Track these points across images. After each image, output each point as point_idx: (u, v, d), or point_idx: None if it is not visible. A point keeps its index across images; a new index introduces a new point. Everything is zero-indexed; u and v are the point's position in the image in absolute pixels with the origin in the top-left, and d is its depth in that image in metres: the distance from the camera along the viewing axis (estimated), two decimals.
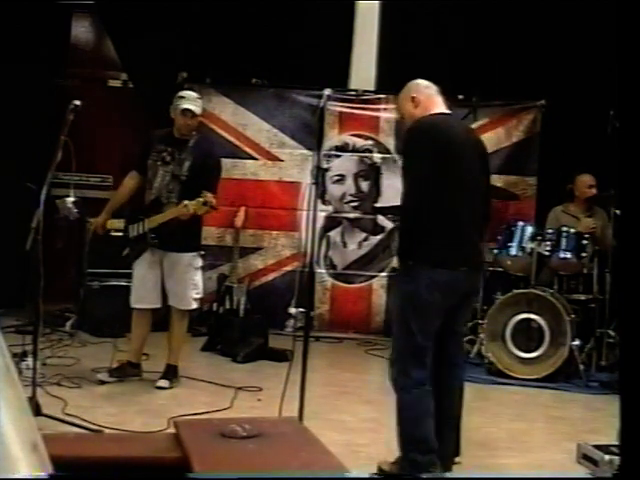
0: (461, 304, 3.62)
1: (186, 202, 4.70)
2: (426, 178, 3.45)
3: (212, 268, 6.96)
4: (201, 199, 4.65)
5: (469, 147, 3.65)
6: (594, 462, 3.81)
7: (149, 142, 5.13)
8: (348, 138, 7.36)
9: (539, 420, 5.02)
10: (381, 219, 7.33)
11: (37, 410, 3.96)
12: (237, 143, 7.35)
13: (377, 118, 7.32)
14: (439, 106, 3.67)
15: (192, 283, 5.07)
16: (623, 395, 2.01)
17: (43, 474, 1.11)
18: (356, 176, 7.37)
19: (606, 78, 3.31)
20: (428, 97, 3.67)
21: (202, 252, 5.24)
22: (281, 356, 5.73)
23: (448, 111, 3.70)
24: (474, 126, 7.13)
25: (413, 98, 3.68)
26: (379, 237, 7.33)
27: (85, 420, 4.13)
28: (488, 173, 3.82)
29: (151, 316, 5.20)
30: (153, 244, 4.98)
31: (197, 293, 5.13)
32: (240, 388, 5.05)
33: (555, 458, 4.13)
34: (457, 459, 3.77)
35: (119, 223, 5.32)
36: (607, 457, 3.72)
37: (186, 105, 4.95)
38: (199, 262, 5.14)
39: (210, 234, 6.97)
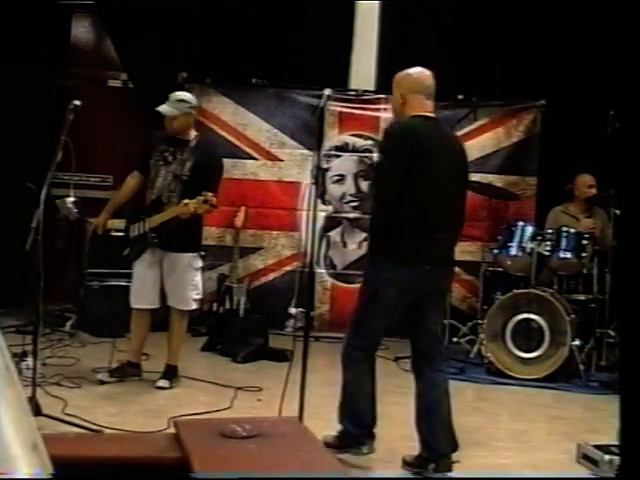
0: (427, 301, 3.74)
1: (186, 201, 4.70)
2: (395, 180, 3.59)
3: (212, 268, 6.96)
4: (201, 197, 4.66)
5: (443, 151, 3.74)
6: (594, 462, 3.82)
7: (151, 142, 5.14)
8: (348, 138, 7.36)
9: (539, 420, 5.02)
10: None
11: (37, 410, 3.96)
12: (237, 143, 7.35)
13: (377, 118, 7.31)
14: (423, 108, 3.74)
15: (192, 284, 5.07)
16: (623, 395, 2.01)
17: (43, 474, 1.11)
18: (356, 176, 7.36)
19: (606, 78, 3.31)
20: (415, 99, 3.75)
21: (202, 253, 5.24)
22: (281, 356, 5.73)
23: (431, 114, 3.77)
24: (474, 126, 7.17)
25: (401, 95, 3.77)
26: None
27: (85, 420, 4.13)
28: (466, 177, 3.96)
29: (150, 316, 5.19)
30: (153, 244, 4.98)
31: (197, 294, 5.13)
32: (240, 388, 5.05)
33: (555, 458, 4.13)
34: (456, 457, 3.78)
35: (119, 223, 5.33)
36: (607, 457, 3.73)
37: (159, 108, 4.98)
38: (199, 263, 5.13)
39: (210, 234, 6.97)
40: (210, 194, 4.71)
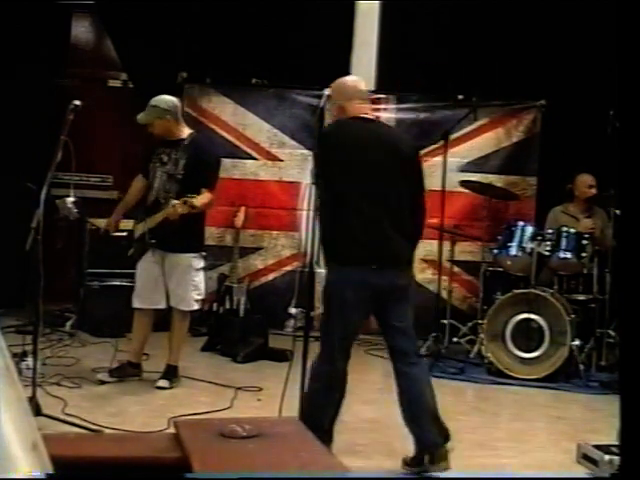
0: (387, 301, 3.79)
1: (173, 202, 4.72)
2: (326, 184, 3.74)
3: (212, 268, 6.95)
4: (184, 199, 4.67)
5: (378, 149, 3.79)
6: (594, 462, 3.81)
7: (151, 145, 5.17)
8: None
9: (539, 420, 5.02)
10: None
11: (37, 410, 3.96)
12: (237, 143, 7.35)
13: (377, 118, 7.30)
14: (359, 111, 3.85)
15: (192, 284, 5.07)
16: (623, 395, 2.01)
17: (43, 474, 1.11)
18: None
19: (606, 78, 3.31)
20: (352, 105, 3.86)
21: (204, 253, 5.24)
22: (281, 356, 5.73)
23: (366, 115, 3.86)
24: (474, 126, 7.17)
25: (338, 104, 3.92)
26: None
27: (85, 420, 4.13)
28: (411, 173, 3.92)
29: (153, 316, 5.20)
30: (151, 244, 5.00)
31: (198, 294, 5.12)
32: (240, 388, 5.05)
33: (555, 458, 4.13)
34: (456, 457, 3.77)
35: (121, 223, 5.37)
36: (607, 457, 3.72)
37: (138, 116, 5.04)
38: (200, 263, 5.13)
39: (210, 234, 6.95)
40: (205, 195, 4.72)
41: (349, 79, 4.07)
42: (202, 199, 4.81)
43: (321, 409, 3.79)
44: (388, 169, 3.78)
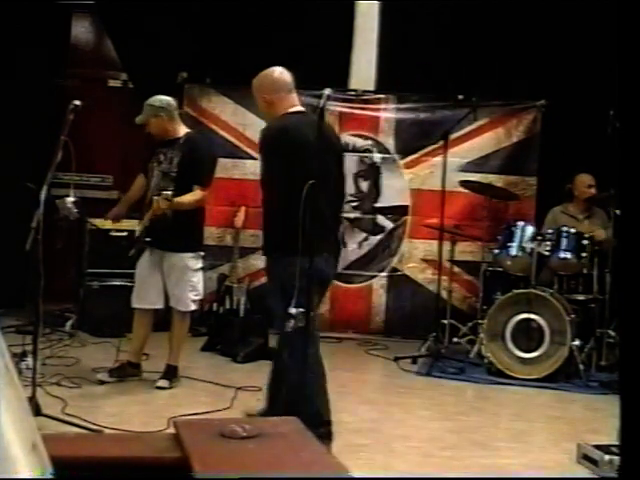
0: (323, 290, 3.93)
1: (155, 198, 4.73)
2: (281, 180, 3.79)
3: (212, 268, 6.95)
4: (163, 194, 4.68)
5: (322, 144, 3.77)
6: (594, 462, 3.81)
7: (152, 145, 5.18)
8: (348, 138, 7.34)
9: (539, 420, 5.02)
10: (381, 219, 7.33)
11: (37, 410, 3.96)
12: (237, 143, 7.35)
13: (377, 118, 7.31)
14: (290, 103, 3.88)
15: (190, 285, 5.06)
16: (623, 395, 2.01)
17: (43, 474, 1.11)
18: (356, 176, 7.36)
19: (606, 78, 3.31)
20: (280, 98, 3.90)
21: (202, 253, 5.23)
22: None
23: (300, 108, 3.90)
24: (474, 126, 7.16)
25: (265, 99, 3.94)
26: (379, 237, 7.33)
27: (85, 420, 4.13)
28: (341, 162, 4.09)
29: (152, 316, 5.20)
30: (147, 243, 5.01)
31: (195, 295, 5.11)
32: (240, 388, 5.05)
33: (555, 458, 4.13)
34: (456, 457, 3.77)
35: (122, 223, 5.38)
36: (607, 457, 3.72)
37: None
38: (198, 263, 5.12)
39: (210, 234, 6.96)
40: (191, 193, 4.81)
41: (276, 71, 4.01)
42: (188, 196, 4.84)
43: (315, 398, 3.78)
44: (328, 162, 3.86)
